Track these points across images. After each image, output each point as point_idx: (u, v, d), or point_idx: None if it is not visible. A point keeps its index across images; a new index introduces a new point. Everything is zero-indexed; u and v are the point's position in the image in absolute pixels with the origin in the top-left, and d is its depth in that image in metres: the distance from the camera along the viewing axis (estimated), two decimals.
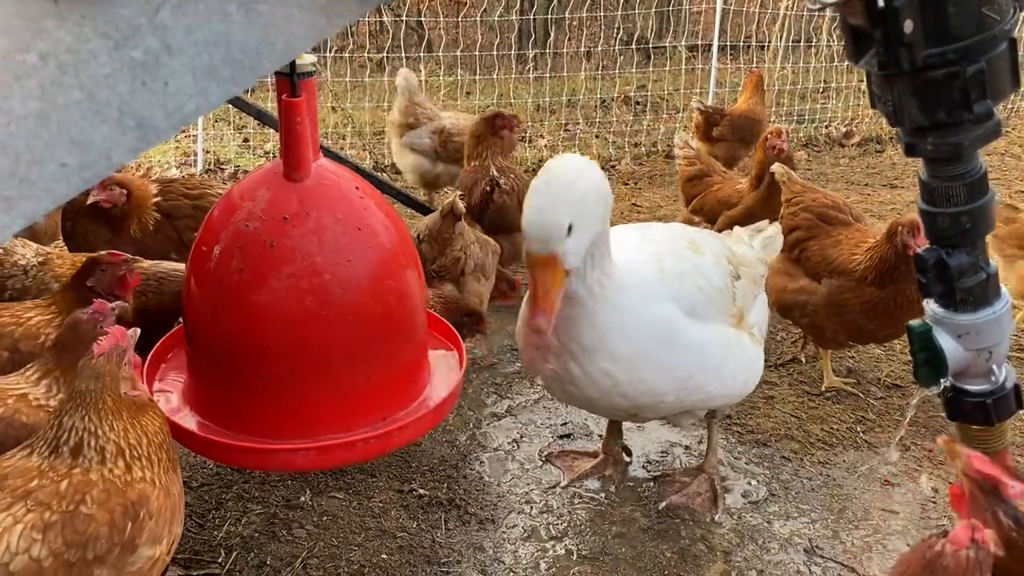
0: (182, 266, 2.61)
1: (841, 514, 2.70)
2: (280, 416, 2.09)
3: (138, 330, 1.89)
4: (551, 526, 2.60)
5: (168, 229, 3.31)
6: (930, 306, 1.40)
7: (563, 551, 2.49)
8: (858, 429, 3.16)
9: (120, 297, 2.42)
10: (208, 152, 6.88)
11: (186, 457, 2.77)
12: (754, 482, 2.84)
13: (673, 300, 2.34)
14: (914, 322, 1.39)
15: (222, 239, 2.08)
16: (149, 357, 2.39)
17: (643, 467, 2.92)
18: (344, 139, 7.10)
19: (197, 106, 0.90)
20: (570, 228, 1.93)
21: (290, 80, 2.03)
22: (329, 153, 4.57)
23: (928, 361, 1.37)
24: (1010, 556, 1.31)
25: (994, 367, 1.39)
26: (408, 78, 5.40)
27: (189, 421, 2.24)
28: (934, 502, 2.77)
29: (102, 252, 2.54)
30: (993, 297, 1.36)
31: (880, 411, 3.29)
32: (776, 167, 3.75)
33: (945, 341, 1.36)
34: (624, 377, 2.28)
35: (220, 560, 2.38)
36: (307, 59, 2.09)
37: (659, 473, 2.78)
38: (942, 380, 1.40)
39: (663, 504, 2.63)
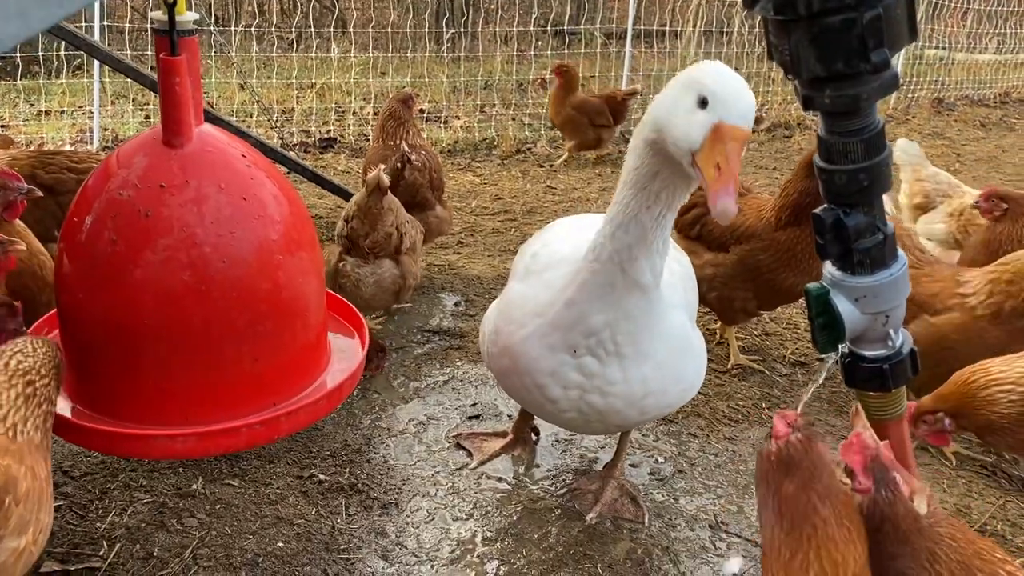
0: None
1: (746, 489, 2.71)
2: (159, 400, 1.95)
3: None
4: (456, 508, 2.53)
5: (50, 204, 3.10)
6: (828, 269, 1.37)
7: (468, 533, 2.42)
8: (763, 405, 3.19)
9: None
10: (106, 130, 6.57)
11: (68, 445, 2.60)
12: (661, 459, 2.83)
13: (683, 307, 2.28)
14: (812, 285, 1.37)
15: (95, 209, 1.93)
16: None
17: (552, 446, 2.88)
18: (251, 117, 6.86)
19: (16, 30, 0.79)
20: None
21: (169, 37, 1.89)
22: (241, 133, 4.39)
23: (826, 325, 1.35)
24: None
25: (891, 332, 1.38)
26: (907, 148, 4.32)
27: (63, 406, 2.09)
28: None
29: None
30: (890, 259, 1.35)
31: (785, 387, 3.33)
32: None
33: (842, 304, 1.34)
34: (657, 387, 2.16)
35: (102, 553, 2.23)
36: (188, 16, 1.95)
37: (567, 489, 2.66)
38: (840, 346, 1.38)
39: (591, 517, 2.50)
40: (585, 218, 2.47)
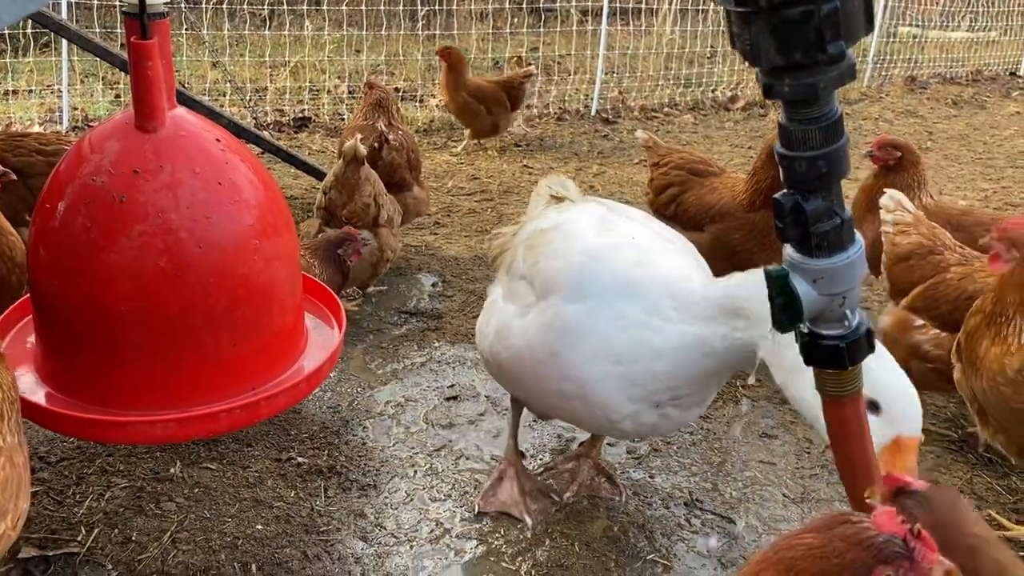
0: None
1: (720, 467, 2.76)
2: (138, 386, 1.96)
3: None
4: (435, 489, 2.55)
5: (19, 187, 3.06)
6: (787, 251, 1.41)
7: (446, 513, 2.45)
8: (738, 384, 3.24)
9: None
10: (76, 109, 6.46)
11: (44, 430, 2.59)
12: (637, 438, 2.87)
13: None
14: (771, 267, 1.41)
15: (68, 195, 1.92)
16: None
17: (529, 426, 2.90)
18: (224, 96, 6.78)
19: None
20: None
21: (140, 20, 1.87)
22: (211, 112, 4.34)
23: (785, 306, 1.39)
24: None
25: (848, 312, 1.43)
26: None
27: (39, 393, 2.08)
28: (808, 452, 2.86)
29: None
30: (847, 242, 1.39)
31: (759, 366, 3.37)
32: (640, 133, 3.88)
33: (801, 286, 1.39)
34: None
35: (80, 538, 2.23)
36: None
37: (543, 468, 2.68)
38: (799, 325, 1.42)
39: (568, 495, 2.53)
40: (593, 210, 2.32)
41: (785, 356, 1.81)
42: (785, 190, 1.39)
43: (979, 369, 2.45)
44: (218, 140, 2.01)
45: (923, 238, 3.02)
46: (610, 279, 2.07)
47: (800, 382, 1.79)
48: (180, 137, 1.96)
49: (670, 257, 2.16)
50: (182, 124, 1.98)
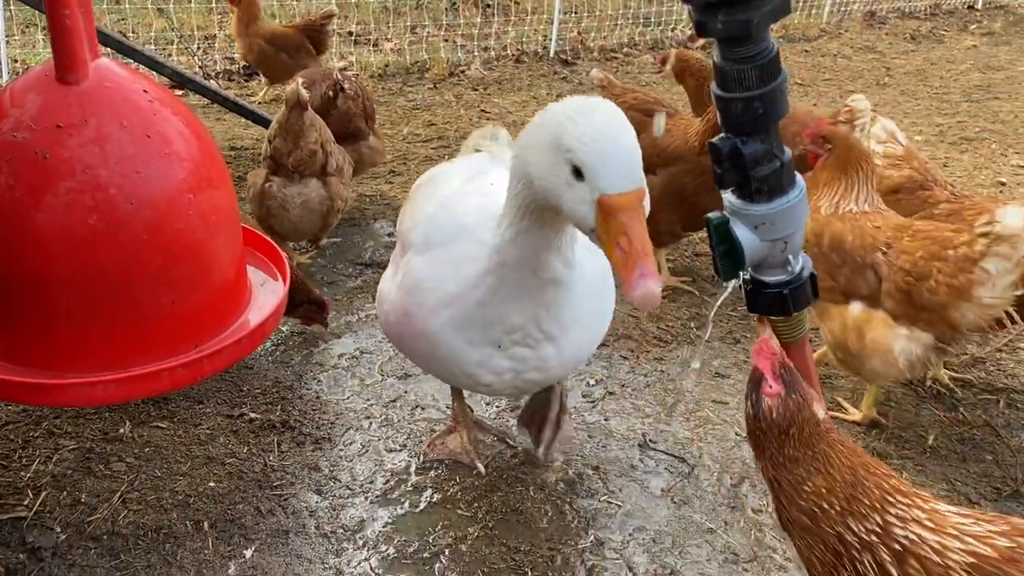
0: None
1: (674, 408, 2.78)
2: (76, 347, 1.91)
3: None
4: (390, 440, 2.55)
5: None
6: (727, 197, 1.39)
7: (402, 464, 2.45)
8: (692, 325, 3.26)
9: None
10: (16, 61, 6.22)
11: None
12: (592, 382, 2.88)
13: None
14: (712, 215, 1.39)
15: None
16: None
17: None
18: (171, 44, 6.57)
19: None
20: None
21: None
22: (154, 62, 4.20)
23: (727, 253, 1.38)
24: None
25: (790, 257, 1.41)
26: None
27: None
28: None
29: None
30: (788, 186, 1.37)
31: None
32: (595, 72, 3.82)
33: (742, 232, 1.37)
34: (588, 338, 2.06)
35: (27, 502, 2.21)
36: None
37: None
38: (741, 272, 1.41)
39: (540, 451, 2.47)
40: (475, 161, 2.27)
41: (559, 188, 1.55)
42: (723, 134, 1.36)
43: None
44: (145, 91, 1.93)
45: (914, 172, 2.95)
46: (450, 226, 1.99)
47: (568, 202, 1.55)
48: (105, 89, 1.88)
49: None
50: (107, 75, 1.90)
